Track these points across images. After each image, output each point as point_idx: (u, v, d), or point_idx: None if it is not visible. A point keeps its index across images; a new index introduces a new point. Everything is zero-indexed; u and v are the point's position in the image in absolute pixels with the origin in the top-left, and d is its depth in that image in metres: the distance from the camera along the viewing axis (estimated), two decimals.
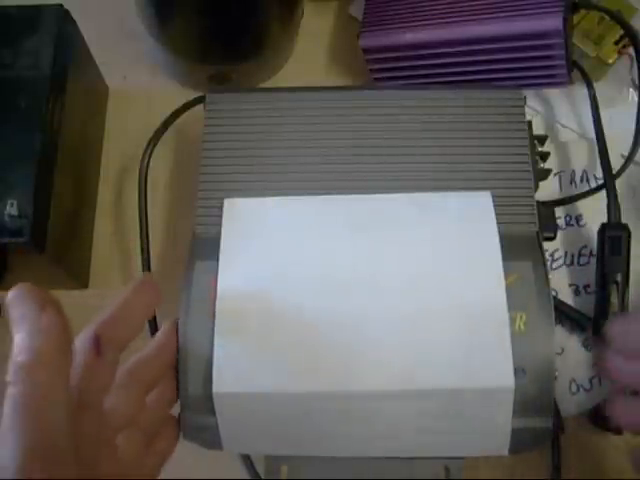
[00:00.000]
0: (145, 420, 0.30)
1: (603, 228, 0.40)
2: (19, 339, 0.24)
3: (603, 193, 0.41)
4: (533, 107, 0.46)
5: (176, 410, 0.32)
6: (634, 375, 0.30)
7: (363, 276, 0.32)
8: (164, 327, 0.32)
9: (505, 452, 0.32)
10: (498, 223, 0.33)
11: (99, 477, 0.26)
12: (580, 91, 0.45)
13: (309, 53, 0.49)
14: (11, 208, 0.35)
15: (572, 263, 0.44)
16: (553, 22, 0.38)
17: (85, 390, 0.26)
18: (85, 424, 0.25)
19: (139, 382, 0.30)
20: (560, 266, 0.44)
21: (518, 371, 0.30)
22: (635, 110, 0.42)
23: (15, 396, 0.23)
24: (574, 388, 0.40)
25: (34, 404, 0.23)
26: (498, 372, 0.30)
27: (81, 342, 0.26)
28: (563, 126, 0.47)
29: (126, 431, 0.29)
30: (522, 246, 0.33)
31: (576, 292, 0.43)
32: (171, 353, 0.31)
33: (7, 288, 0.41)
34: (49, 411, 0.24)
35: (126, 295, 0.29)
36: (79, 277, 0.42)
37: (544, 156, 0.39)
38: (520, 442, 0.31)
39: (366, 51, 0.43)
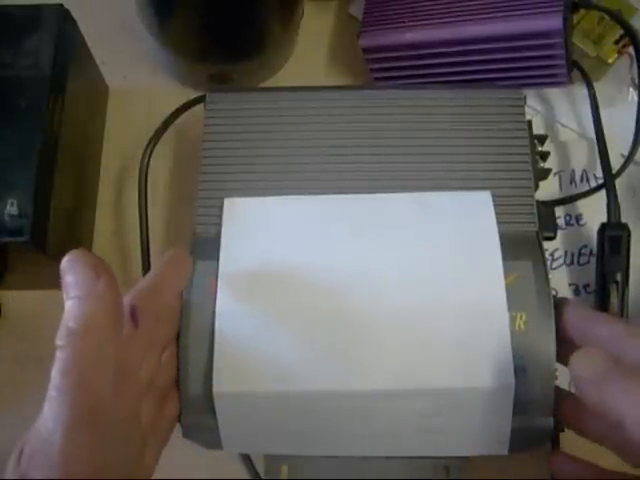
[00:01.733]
0: (159, 382, 0.30)
1: (603, 228, 0.40)
2: (71, 305, 0.25)
3: (603, 193, 0.41)
4: (533, 107, 0.46)
5: None
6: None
7: (363, 276, 0.32)
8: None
9: (505, 452, 0.32)
10: (498, 223, 0.33)
11: (135, 441, 0.27)
12: (580, 91, 0.45)
13: (309, 53, 0.49)
14: (11, 208, 0.35)
15: (572, 263, 0.44)
16: (553, 22, 0.38)
17: (124, 360, 0.26)
18: (124, 393, 0.26)
19: (157, 344, 0.30)
20: (560, 266, 0.44)
21: (518, 370, 0.30)
22: (635, 110, 0.42)
23: (64, 360, 0.24)
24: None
25: (82, 369, 0.24)
26: (498, 371, 0.30)
27: None
28: (563, 126, 0.47)
29: (144, 393, 0.29)
30: (522, 246, 0.33)
31: (576, 292, 0.43)
32: (174, 324, 0.32)
33: (7, 288, 0.42)
34: (96, 377, 0.24)
35: (160, 268, 0.29)
36: None
37: (544, 156, 0.39)
38: (520, 442, 0.31)
39: (366, 51, 0.43)
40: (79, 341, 0.24)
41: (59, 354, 0.24)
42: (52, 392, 0.24)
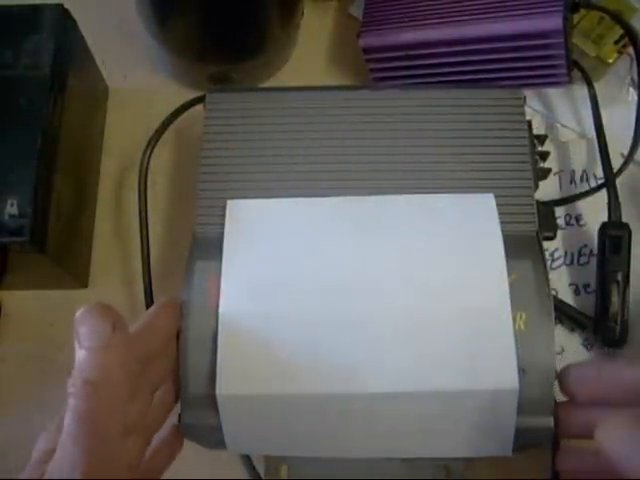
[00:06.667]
0: (148, 422, 0.30)
1: (604, 227, 0.40)
2: (86, 355, 0.25)
3: (603, 193, 0.41)
4: (533, 107, 0.47)
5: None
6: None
7: (366, 278, 0.32)
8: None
9: (509, 452, 0.31)
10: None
11: None
12: (580, 91, 0.45)
13: (309, 53, 0.49)
14: (11, 208, 0.35)
15: (572, 263, 0.44)
16: (553, 22, 0.38)
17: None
18: (129, 441, 0.27)
19: (149, 385, 0.30)
20: (560, 266, 0.44)
21: (519, 370, 0.30)
22: (635, 110, 0.42)
23: (79, 409, 0.25)
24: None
25: (97, 419, 0.25)
26: (502, 374, 0.30)
27: None
28: (563, 126, 0.47)
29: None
30: (522, 246, 0.33)
31: (576, 292, 0.43)
32: (170, 364, 0.31)
33: (7, 288, 0.42)
34: (110, 426, 0.25)
35: (151, 311, 0.30)
36: (79, 277, 0.43)
37: (544, 155, 0.39)
38: (522, 442, 0.31)
39: (366, 51, 0.43)
40: (95, 392, 0.25)
41: (74, 401, 0.25)
42: (67, 438, 0.24)
